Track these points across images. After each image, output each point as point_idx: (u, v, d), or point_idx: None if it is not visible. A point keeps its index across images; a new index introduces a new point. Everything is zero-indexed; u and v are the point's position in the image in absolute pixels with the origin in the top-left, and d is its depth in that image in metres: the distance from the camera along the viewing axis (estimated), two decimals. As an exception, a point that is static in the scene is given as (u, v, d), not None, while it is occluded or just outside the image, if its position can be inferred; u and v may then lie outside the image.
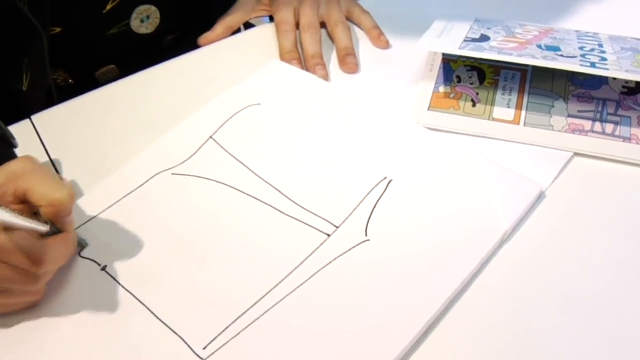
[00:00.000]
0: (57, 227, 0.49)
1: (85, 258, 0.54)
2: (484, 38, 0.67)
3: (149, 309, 0.50)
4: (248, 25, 0.88)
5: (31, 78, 0.72)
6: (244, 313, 0.49)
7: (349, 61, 0.73)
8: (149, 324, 0.49)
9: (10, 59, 0.71)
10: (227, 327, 0.48)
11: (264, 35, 0.80)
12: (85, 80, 0.80)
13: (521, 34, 0.68)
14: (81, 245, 0.55)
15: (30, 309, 0.51)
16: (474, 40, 0.66)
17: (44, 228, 0.48)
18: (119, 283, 0.52)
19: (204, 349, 0.47)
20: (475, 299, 0.50)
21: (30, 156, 0.49)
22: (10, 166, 0.48)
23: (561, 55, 0.63)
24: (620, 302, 0.50)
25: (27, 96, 0.73)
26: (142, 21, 0.78)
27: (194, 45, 0.79)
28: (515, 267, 0.52)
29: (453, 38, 0.67)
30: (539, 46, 0.65)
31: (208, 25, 0.81)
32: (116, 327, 0.49)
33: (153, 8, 0.78)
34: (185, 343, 0.48)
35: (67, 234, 0.50)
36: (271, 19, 0.83)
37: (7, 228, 0.45)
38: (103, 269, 0.53)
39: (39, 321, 0.50)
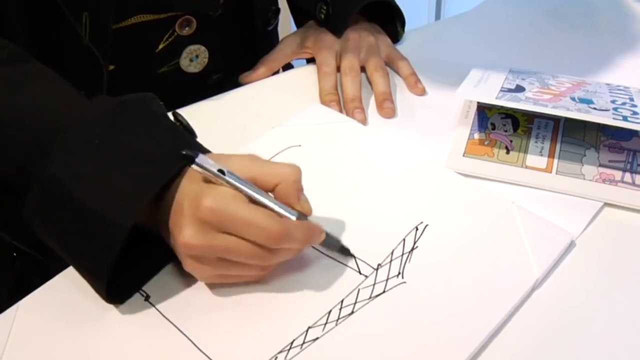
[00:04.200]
0: (302, 215, 0.53)
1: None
2: (520, 89, 0.69)
3: (191, 340, 0.52)
4: (287, 66, 0.91)
5: None
6: (281, 351, 0.51)
7: (387, 106, 0.75)
8: (191, 356, 0.51)
9: None
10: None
11: (303, 77, 0.82)
12: None
13: (555, 86, 0.71)
14: (335, 246, 0.56)
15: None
16: (510, 90, 0.68)
17: (291, 215, 0.52)
18: (161, 314, 0.54)
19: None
20: (505, 345, 0.51)
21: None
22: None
23: (594, 108, 0.65)
24: (649, 352, 0.51)
25: None
26: (191, 60, 0.81)
27: (238, 85, 0.82)
28: (546, 313, 0.54)
29: (490, 88, 0.69)
30: (573, 98, 0.67)
31: (253, 65, 0.84)
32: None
33: (202, 48, 0.81)
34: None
35: (309, 222, 0.53)
36: (308, 61, 0.86)
37: (254, 203, 0.50)
38: (147, 299, 0.55)
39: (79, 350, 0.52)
